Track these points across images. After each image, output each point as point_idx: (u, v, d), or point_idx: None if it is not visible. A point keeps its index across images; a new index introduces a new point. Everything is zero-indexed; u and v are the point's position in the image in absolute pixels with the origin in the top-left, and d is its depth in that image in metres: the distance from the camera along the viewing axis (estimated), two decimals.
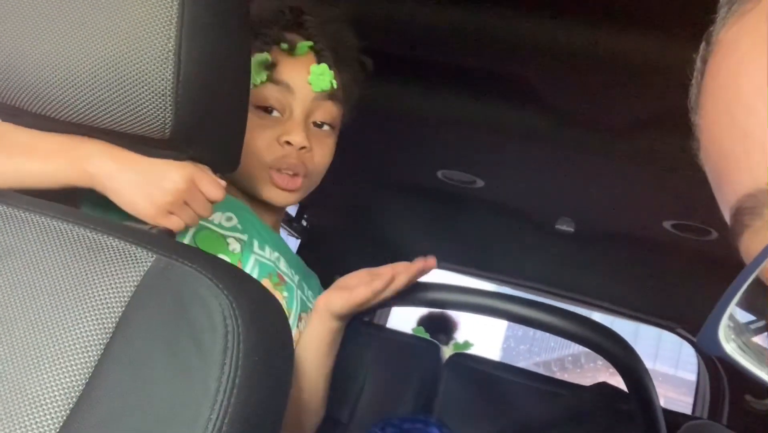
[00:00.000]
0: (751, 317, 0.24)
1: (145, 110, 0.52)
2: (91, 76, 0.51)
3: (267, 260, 0.82)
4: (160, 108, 0.51)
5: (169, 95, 0.51)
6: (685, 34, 0.34)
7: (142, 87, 0.51)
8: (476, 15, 0.94)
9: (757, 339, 0.24)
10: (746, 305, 0.23)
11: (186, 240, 0.74)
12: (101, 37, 0.50)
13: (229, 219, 0.80)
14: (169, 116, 0.52)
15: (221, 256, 0.75)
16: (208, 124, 0.57)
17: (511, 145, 1.25)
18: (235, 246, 0.78)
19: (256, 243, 0.81)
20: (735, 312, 0.23)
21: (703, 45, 0.30)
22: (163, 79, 0.51)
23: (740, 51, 0.25)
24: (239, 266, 0.77)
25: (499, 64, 1.04)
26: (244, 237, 0.80)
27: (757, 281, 0.23)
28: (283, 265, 0.86)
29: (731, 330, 0.24)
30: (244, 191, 0.84)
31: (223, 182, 0.63)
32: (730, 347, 0.24)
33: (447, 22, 0.96)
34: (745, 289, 0.23)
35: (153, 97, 0.51)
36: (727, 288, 0.23)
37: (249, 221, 0.82)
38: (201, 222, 0.75)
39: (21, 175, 0.58)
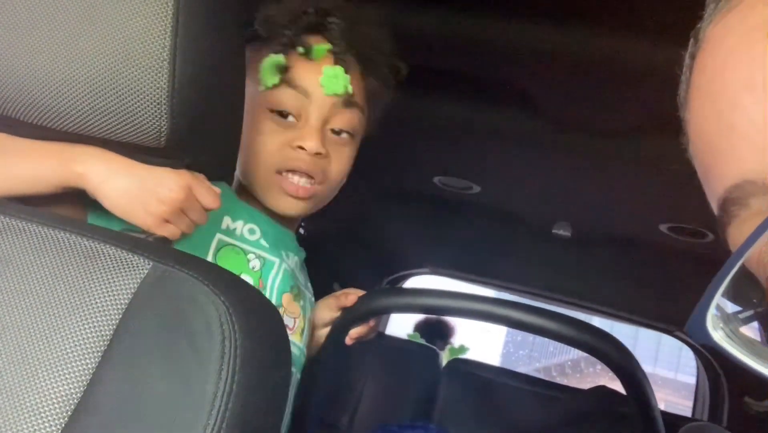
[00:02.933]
0: (739, 307, 0.24)
1: (140, 119, 0.52)
2: (86, 86, 0.51)
3: (289, 271, 0.81)
4: (156, 116, 0.52)
5: (165, 104, 0.51)
6: (681, 35, 0.34)
7: (138, 96, 0.51)
8: (471, 20, 0.94)
9: (745, 329, 0.24)
10: (733, 294, 0.24)
11: (209, 258, 0.73)
12: (96, 47, 0.50)
13: (252, 232, 0.78)
14: (164, 124, 0.52)
15: (243, 275, 0.74)
16: (203, 132, 0.57)
17: (507, 150, 1.26)
18: (255, 263, 0.77)
19: (277, 260, 0.80)
20: (723, 301, 0.24)
21: (691, 41, 0.30)
22: (158, 88, 0.51)
23: (726, 47, 0.26)
24: (260, 284, 0.76)
25: (494, 70, 1.04)
26: (266, 255, 0.79)
27: (744, 272, 0.23)
28: (298, 272, 0.86)
29: (719, 319, 0.24)
30: (257, 199, 0.81)
31: (218, 190, 0.63)
32: (718, 335, 0.24)
33: (442, 28, 0.97)
34: (732, 278, 0.23)
35: (148, 106, 0.51)
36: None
37: (270, 233, 0.80)
38: (224, 237, 0.75)
39: (13, 178, 0.57)
